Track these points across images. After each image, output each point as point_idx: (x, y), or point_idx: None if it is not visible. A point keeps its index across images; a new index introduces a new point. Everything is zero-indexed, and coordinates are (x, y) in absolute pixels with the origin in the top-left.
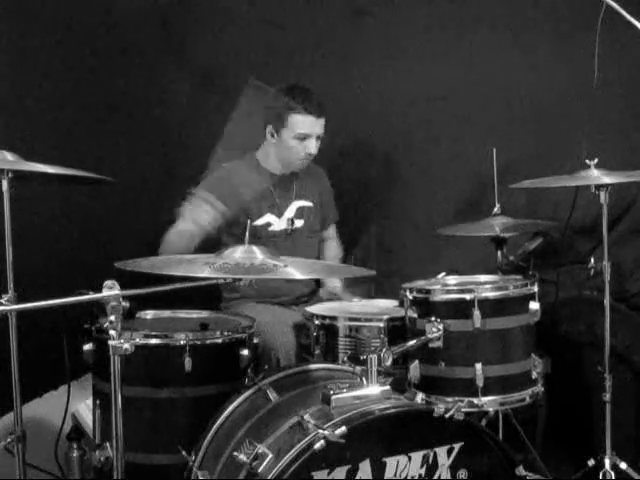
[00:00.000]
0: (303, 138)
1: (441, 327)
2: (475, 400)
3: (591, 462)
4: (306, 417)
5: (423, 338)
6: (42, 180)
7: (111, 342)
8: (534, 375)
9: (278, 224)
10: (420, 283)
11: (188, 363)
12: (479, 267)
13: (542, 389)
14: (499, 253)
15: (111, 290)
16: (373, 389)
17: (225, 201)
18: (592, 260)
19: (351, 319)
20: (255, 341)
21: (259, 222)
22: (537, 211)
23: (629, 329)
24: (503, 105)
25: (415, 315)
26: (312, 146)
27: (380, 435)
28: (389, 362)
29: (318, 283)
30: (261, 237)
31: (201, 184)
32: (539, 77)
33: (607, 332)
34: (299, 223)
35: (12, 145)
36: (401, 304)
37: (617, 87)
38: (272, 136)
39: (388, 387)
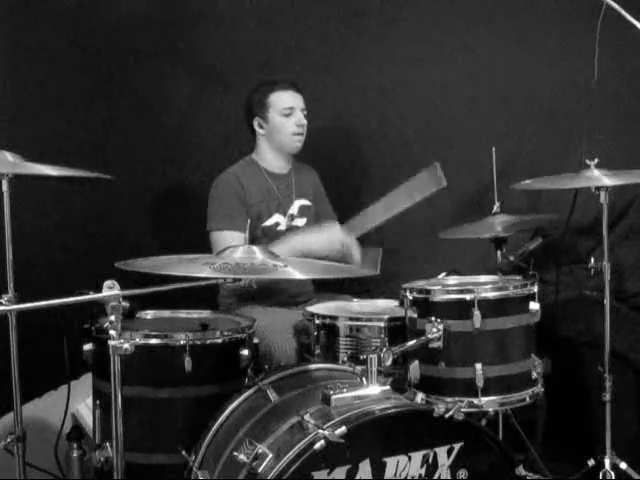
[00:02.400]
0: (289, 113)
1: (441, 327)
2: (475, 400)
3: (591, 462)
4: (306, 417)
5: (423, 338)
6: (42, 180)
7: (111, 342)
8: (534, 375)
9: (284, 223)
10: (420, 283)
11: (188, 363)
12: (479, 267)
13: (542, 389)
14: (499, 253)
15: (111, 290)
16: (373, 389)
17: (242, 218)
18: (592, 260)
19: (351, 319)
20: (255, 341)
21: (269, 223)
22: (537, 210)
23: (629, 329)
24: (503, 104)
25: (415, 315)
26: (300, 117)
27: (380, 435)
28: (389, 362)
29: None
30: (269, 238)
31: (215, 219)
32: (539, 76)
33: (607, 332)
34: (301, 221)
35: (12, 145)
36: (401, 304)
37: (617, 87)
38: (261, 127)
39: (388, 387)
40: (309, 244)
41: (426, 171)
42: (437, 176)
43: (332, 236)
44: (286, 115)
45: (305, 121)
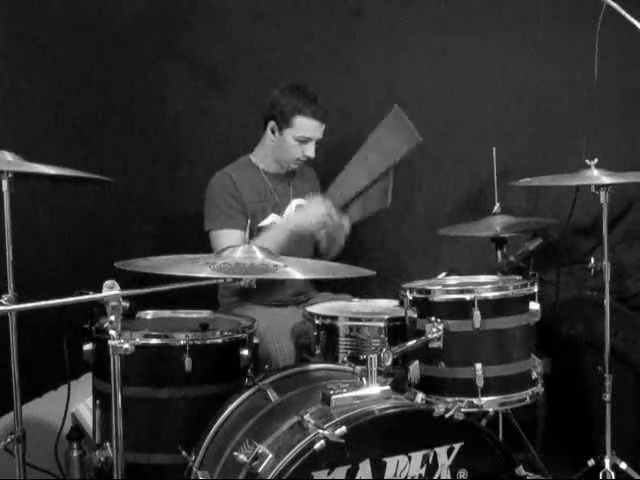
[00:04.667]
0: (304, 141)
1: (441, 327)
2: (475, 400)
3: (591, 462)
4: (306, 417)
5: (423, 338)
6: (42, 180)
7: (111, 342)
8: (534, 375)
9: None
10: (420, 283)
11: (188, 363)
12: (479, 267)
13: (542, 389)
14: (499, 253)
15: (111, 290)
16: (373, 389)
17: (239, 216)
18: (592, 260)
19: (351, 319)
20: (255, 341)
21: (264, 223)
22: (537, 211)
23: (629, 329)
24: (503, 104)
25: (415, 315)
26: (311, 149)
27: (380, 435)
28: (389, 362)
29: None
30: None
31: (212, 218)
32: (539, 77)
33: (607, 332)
34: None
35: (12, 145)
36: (401, 304)
37: (617, 87)
38: (273, 133)
39: (388, 387)
40: (296, 225)
41: (389, 118)
42: (403, 123)
43: (316, 210)
44: (300, 142)
45: (313, 155)
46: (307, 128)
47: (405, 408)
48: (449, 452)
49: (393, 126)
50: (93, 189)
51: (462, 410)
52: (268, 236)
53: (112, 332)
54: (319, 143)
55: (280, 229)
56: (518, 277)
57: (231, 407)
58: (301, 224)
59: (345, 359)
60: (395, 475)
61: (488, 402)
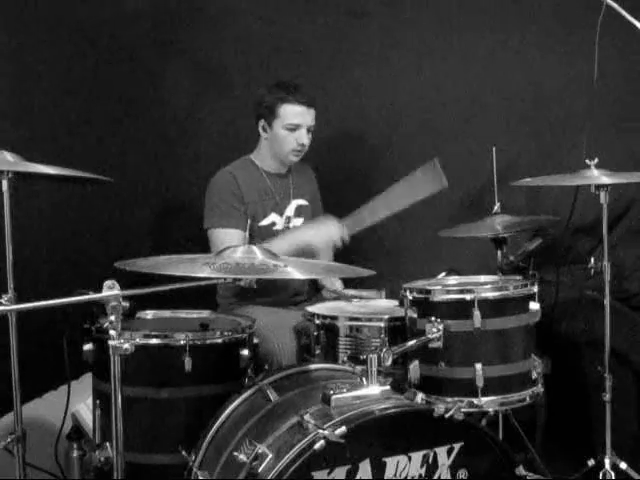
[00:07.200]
0: (294, 129)
1: (441, 327)
2: (475, 400)
3: (591, 462)
4: (306, 417)
5: (423, 338)
6: (42, 180)
7: (111, 342)
8: (534, 375)
9: (280, 223)
10: (420, 283)
11: (188, 363)
12: (479, 267)
13: (542, 389)
14: (499, 253)
15: (111, 290)
16: (373, 389)
17: (239, 216)
18: (592, 260)
19: (351, 319)
20: (255, 341)
21: (265, 222)
22: (537, 211)
23: (629, 329)
24: (503, 104)
25: (415, 315)
26: (303, 136)
27: (380, 435)
28: (389, 362)
29: (315, 283)
30: (265, 237)
31: (211, 217)
32: (539, 76)
33: (607, 332)
34: (298, 222)
35: (12, 145)
36: (401, 304)
37: (617, 87)
38: (264, 130)
39: (388, 387)
40: (307, 240)
41: (425, 167)
42: (436, 173)
43: (330, 231)
44: (290, 130)
45: (307, 141)
46: (293, 114)
47: (405, 408)
48: (449, 452)
49: (427, 174)
50: (93, 189)
51: (462, 410)
52: (276, 243)
53: (112, 332)
54: (313, 132)
55: (290, 239)
56: (518, 277)
57: (231, 407)
58: (311, 240)
59: (345, 359)
60: (395, 475)
61: (488, 402)
